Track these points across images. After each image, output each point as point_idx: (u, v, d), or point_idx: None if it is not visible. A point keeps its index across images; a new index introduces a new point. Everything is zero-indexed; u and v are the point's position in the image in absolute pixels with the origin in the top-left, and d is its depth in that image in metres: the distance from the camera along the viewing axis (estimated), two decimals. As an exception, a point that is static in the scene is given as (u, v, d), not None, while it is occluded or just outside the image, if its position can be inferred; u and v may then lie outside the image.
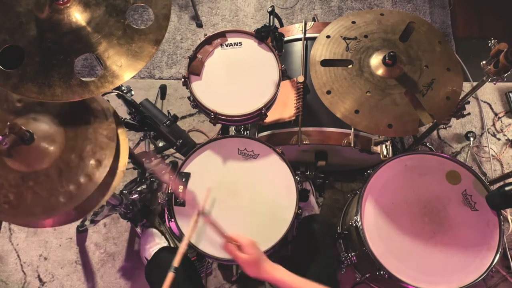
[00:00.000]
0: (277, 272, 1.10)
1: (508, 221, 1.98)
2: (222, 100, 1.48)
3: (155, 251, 1.81)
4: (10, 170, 1.13)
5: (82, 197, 1.12)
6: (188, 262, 1.49)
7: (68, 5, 1.14)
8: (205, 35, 1.56)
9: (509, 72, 1.29)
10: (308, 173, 1.88)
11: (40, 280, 1.96)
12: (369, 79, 1.34)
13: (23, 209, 1.12)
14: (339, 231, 1.77)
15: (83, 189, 1.12)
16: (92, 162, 1.15)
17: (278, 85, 1.49)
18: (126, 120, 1.58)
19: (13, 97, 1.21)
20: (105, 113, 1.22)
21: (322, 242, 1.46)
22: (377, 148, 1.57)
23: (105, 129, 1.20)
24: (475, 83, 1.44)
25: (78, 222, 2.01)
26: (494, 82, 1.34)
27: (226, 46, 1.56)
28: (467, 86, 2.32)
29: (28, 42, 1.13)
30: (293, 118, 1.67)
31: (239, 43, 1.57)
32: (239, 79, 1.52)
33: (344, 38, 1.42)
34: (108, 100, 1.30)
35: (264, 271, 1.09)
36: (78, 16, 1.15)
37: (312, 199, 1.93)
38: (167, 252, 1.47)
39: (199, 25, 2.55)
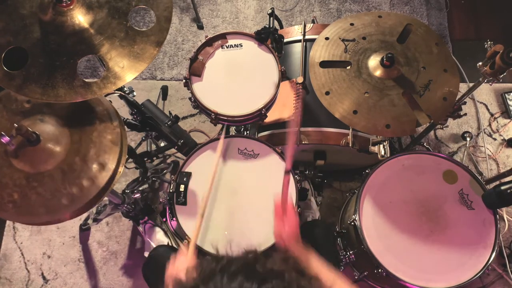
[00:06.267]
0: (309, 254, 1.05)
1: (504, 220, 2.00)
2: (222, 100, 1.50)
3: None
4: (15, 170, 1.14)
5: (84, 200, 1.13)
6: None
7: (71, 7, 1.15)
8: (206, 36, 1.58)
9: (505, 73, 1.30)
10: (307, 172, 1.90)
11: (44, 277, 1.97)
12: (367, 80, 1.36)
13: (27, 208, 1.13)
14: (337, 229, 1.79)
15: (85, 192, 1.14)
16: (95, 165, 1.16)
17: (277, 86, 1.51)
18: (128, 120, 1.60)
19: (22, 98, 1.22)
20: (110, 117, 1.23)
21: (324, 247, 1.46)
22: (375, 148, 1.59)
23: (110, 133, 1.21)
24: (471, 84, 1.45)
25: (81, 221, 2.03)
26: (490, 83, 1.35)
27: (227, 47, 1.58)
28: (463, 87, 2.34)
29: (32, 44, 1.14)
30: (292, 117, 1.69)
31: (240, 44, 1.59)
32: (240, 80, 1.54)
33: (343, 40, 1.44)
34: (110, 101, 1.32)
35: (300, 245, 1.05)
36: (81, 18, 1.16)
37: (313, 202, 1.94)
38: (163, 249, 1.46)
39: (200, 27, 2.56)
